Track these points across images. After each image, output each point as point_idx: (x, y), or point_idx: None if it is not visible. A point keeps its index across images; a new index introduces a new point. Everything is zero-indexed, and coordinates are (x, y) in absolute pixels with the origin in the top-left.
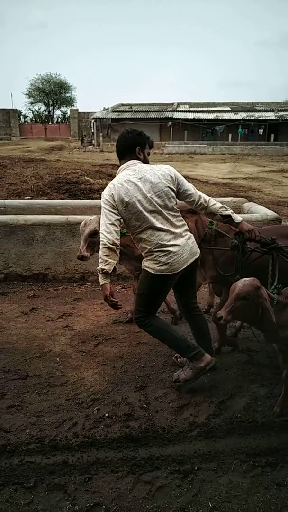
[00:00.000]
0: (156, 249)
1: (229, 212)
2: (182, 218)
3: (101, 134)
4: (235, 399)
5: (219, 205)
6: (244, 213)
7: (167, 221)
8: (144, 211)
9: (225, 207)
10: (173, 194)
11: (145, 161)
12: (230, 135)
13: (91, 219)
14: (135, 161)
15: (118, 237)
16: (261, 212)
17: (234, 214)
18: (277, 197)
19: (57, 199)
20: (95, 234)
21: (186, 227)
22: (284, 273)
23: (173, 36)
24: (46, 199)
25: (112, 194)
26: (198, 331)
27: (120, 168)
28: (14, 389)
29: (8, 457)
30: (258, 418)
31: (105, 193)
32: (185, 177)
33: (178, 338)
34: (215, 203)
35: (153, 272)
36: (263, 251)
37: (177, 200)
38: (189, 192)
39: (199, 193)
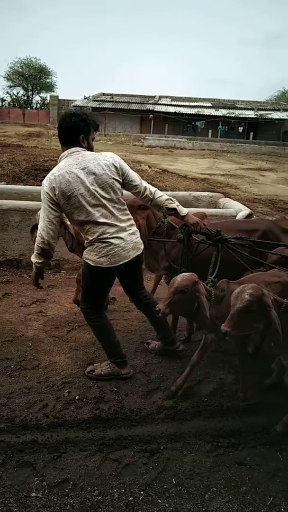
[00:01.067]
0: (98, 241)
1: (175, 205)
2: (128, 212)
3: None
4: (203, 384)
5: (165, 197)
6: (220, 208)
7: (112, 214)
8: (87, 205)
9: (171, 200)
10: (119, 186)
11: (89, 148)
12: (210, 131)
13: None
14: (78, 148)
15: (55, 236)
16: (236, 207)
17: (180, 206)
18: (253, 194)
19: (34, 186)
20: None
21: (132, 221)
22: (234, 265)
23: (159, 28)
24: (23, 185)
25: (53, 187)
26: (154, 320)
27: (62, 155)
28: None
29: None
30: (223, 403)
31: (45, 185)
32: (164, 170)
33: (115, 343)
34: (161, 195)
35: (92, 264)
36: (208, 243)
37: (123, 192)
38: (135, 183)
39: (145, 184)
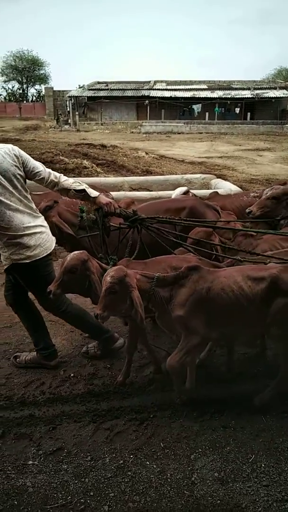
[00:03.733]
0: (21, 234)
1: (83, 186)
2: (31, 200)
3: (77, 113)
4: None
5: (71, 180)
6: (211, 189)
7: (21, 202)
8: None
9: (78, 182)
10: (21, 173)
11: None
12: (207, 114)
13: None
14: None
15: None
16: (226, 187)
17: (90, 189)
18: (250, 175)
19: None
20: None
21: (36, 208)
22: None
23: (150, 12)
24: None
25: None
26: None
27: None
28: None
29: None
30: (212, 373)
31: None
32: (162, 156)
33: (95, 323)
34: (66, 178)
35: (28, 261)
36: (126, 225)
37: (26, 182)
38: (37, 169)
39: (49, 170)
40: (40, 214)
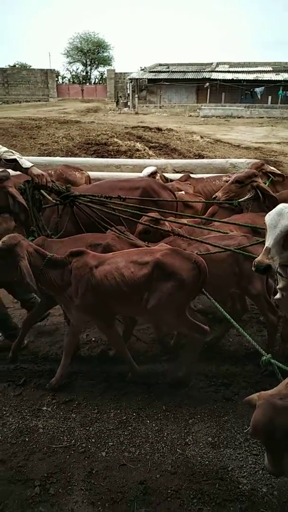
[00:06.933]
0: None
1: (15, 156)
2: None
3: (136, 95)
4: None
5: (4, 149)
6: None
7: None
8: None
9: (11, 152)
10: None
11: None
12: (270, 98)
13: None
14: None
15: None
16: None
17: (23, 159)
18: None
19: (81, 157)
20: None
21: None
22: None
23: None
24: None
25: None
26: None
27: None
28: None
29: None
30: (224, 349)
31: None
32: (217, 140)
33: None
34: None
35: None
36: (59, 201)
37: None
38: None
39: None
40: None
